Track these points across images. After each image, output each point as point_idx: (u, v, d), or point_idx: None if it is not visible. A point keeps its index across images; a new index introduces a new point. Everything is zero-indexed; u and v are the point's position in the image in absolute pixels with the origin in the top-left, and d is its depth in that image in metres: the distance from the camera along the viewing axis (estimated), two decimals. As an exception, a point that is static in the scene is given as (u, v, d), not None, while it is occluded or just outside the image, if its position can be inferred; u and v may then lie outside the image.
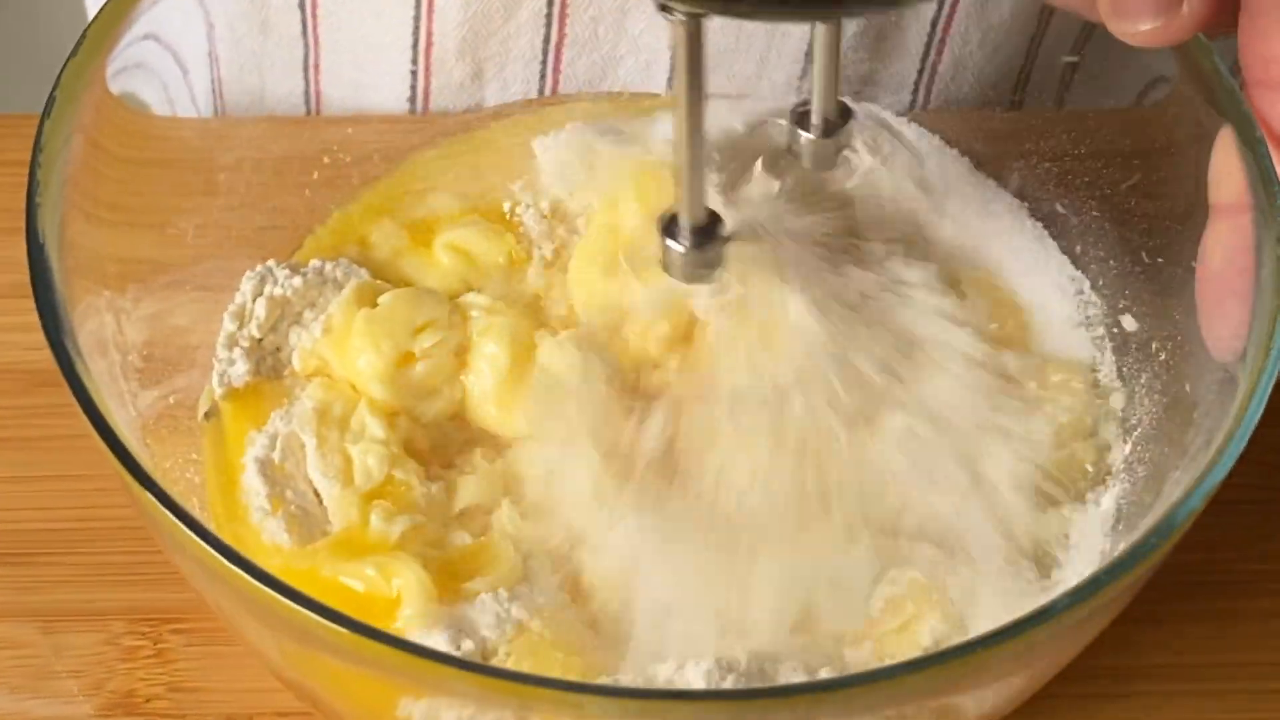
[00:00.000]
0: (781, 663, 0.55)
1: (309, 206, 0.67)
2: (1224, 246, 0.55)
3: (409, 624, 0.55)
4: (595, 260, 0.64)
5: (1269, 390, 0.51)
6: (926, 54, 0.71)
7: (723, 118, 0.66)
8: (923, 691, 0.49)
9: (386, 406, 0.61)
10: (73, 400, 0.51)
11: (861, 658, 0.56)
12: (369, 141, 0.68)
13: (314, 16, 0.70)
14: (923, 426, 0.59)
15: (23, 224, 0.53)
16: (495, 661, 0.54)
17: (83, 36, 0.58)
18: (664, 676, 0.55)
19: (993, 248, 0.67)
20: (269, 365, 0.63)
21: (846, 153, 0.60)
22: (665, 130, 0.67)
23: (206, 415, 0.61)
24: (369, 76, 0.72)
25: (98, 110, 0.58)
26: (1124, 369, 0.63)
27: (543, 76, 0.72)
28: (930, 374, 0.61)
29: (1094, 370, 0.63)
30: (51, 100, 0.56)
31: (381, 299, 0.62)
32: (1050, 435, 0.61)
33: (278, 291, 0.63)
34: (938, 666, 0.48)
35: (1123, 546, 0.52)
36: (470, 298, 0.64)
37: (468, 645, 0.54)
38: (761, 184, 0.63)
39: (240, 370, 0.62)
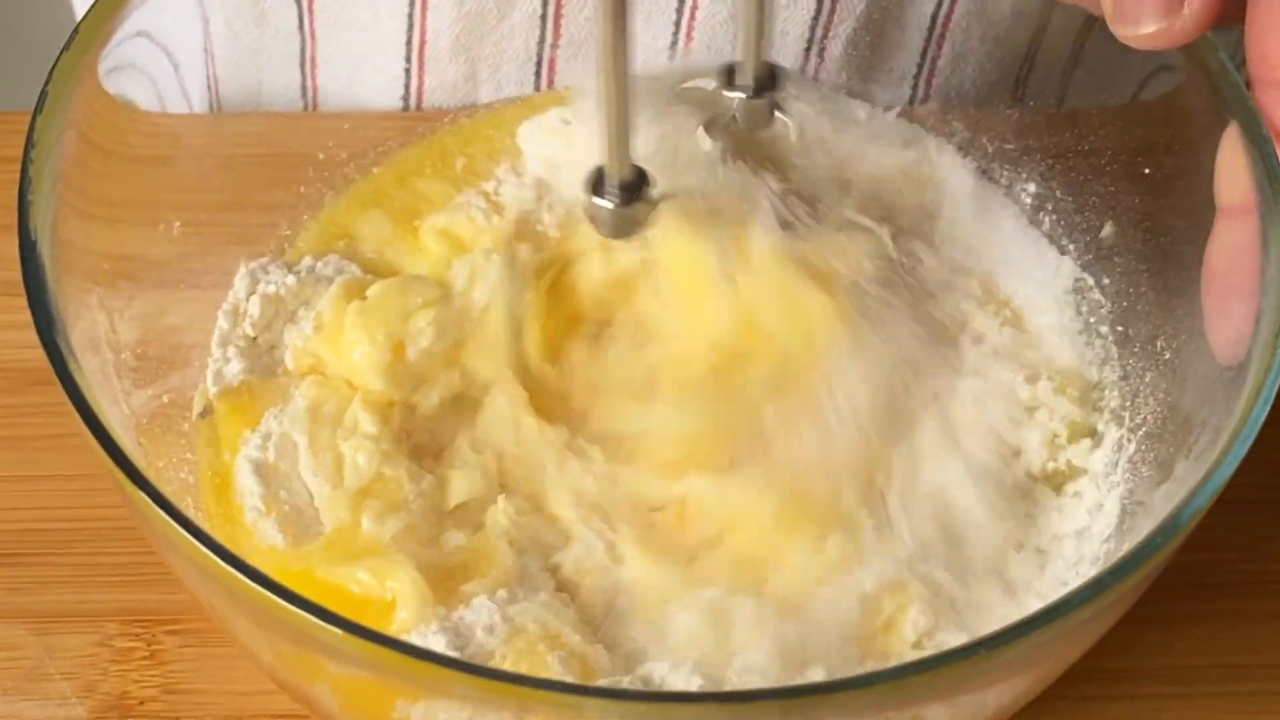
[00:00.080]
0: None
1: (304, 203, 0.67)
2: (1230, 245, 0.55)
3: (404, 628, 0.55)
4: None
5: (1275, 389, 0.51)
6: (926, 48, 0.71)
7: (653, 76, 0.66)
8: (924, 693, 0.48)
9: (383, 399, 0.61)
10: (65, 399, 0.51)
11: (850, 665, 0.56)
12: (366, 138, 0.68)
13: (310, 10, 0.70)
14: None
15: (14, 221, 0.53)
16: (492, 664, 0.54)
17: (75, 32, 0.57)
18: (659, 677, 0.54)
19: (992, 248, 0.66)
20: (264, 364, 0.62)
21: (780, 114, 0.60)
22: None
23: (201, 414, 0.61)
24: (364, 74, 0.72)
25: (90, 106, 0.58)
26: (1128, 367, 0.62)
27: (537, 76, 0.72)
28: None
29: (1097, 369, 0.63)
30: (44, 96, 0.56)
31: (370, 290, 0.62)
32: (1048, 434, 0.61)
33: (271, 289, 0.63)
34: (940, 668, 0.47)
35: (1127, 547, 0.52)
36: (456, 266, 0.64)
37: (464, 648, 0.54)
38: (699, 143, 0.63)
39: (235, 369, 0.61)
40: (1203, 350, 0.56)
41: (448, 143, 0.69)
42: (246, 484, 0.59)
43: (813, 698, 0.48)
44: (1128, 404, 0.62)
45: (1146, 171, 0.63)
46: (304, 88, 0.72)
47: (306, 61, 0.71)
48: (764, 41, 0.57)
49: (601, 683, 0.54)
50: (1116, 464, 0.61)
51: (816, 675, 0.55)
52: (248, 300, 0.63)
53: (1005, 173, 0.68)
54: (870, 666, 0.56)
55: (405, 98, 0.72)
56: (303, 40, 0.71)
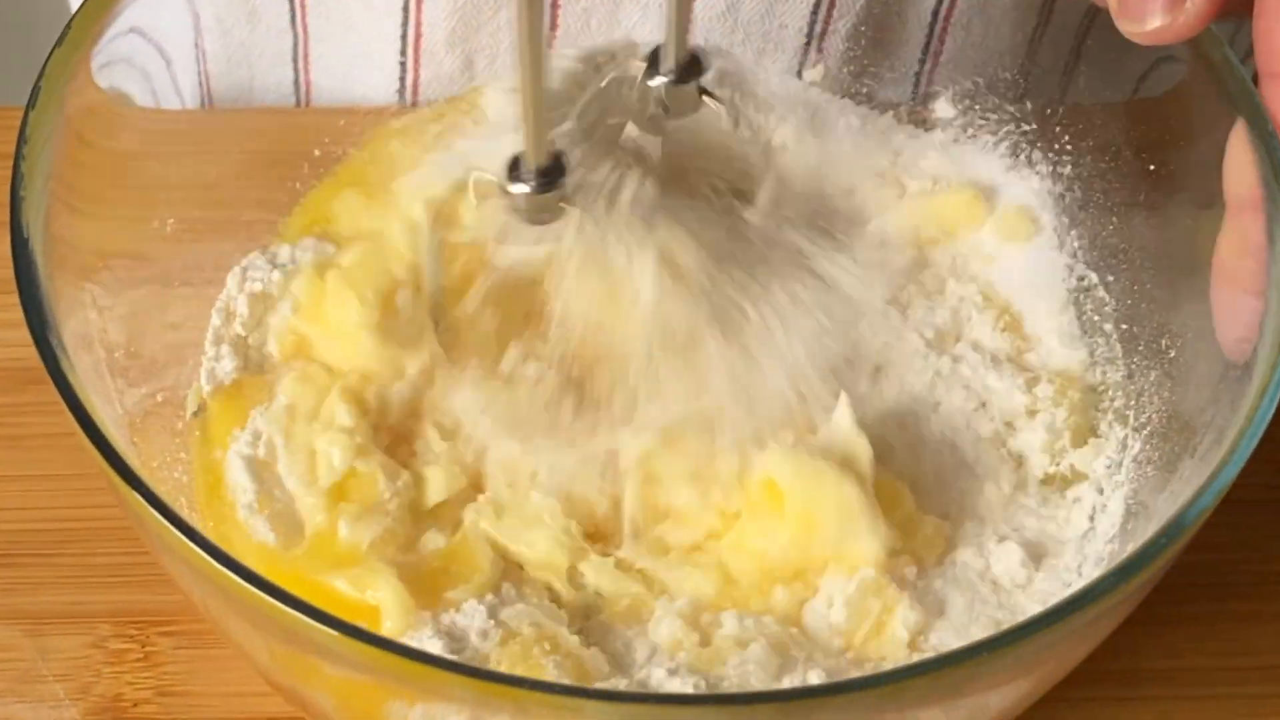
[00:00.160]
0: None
1: (298, 199, 0.66)
2: (1237, 242, 0.55)
3: (392, 636, 0.54)
4: None
5: (1281, 388, 0.51)
6: (928, 44, 0.71)
7: (575, 61, 0.66)
8: (925, 695, 0.48)
9: (365, 377, 0.60)
10: (59, 398, 0.50)
11: (843, 669, 0.56)
12: (361, 133, 0.68)
13: (302, 6, 0.70)
14: None
15: (6, 218, 0.53)
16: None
17: (67, 28, 0.57)
18: (657, 680, 0.54)
19: (992, 247, 0.66)
20: (254, 361, 0.62)
21: (709, 100, 0.59)
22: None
23: (195, 413, 0.61)
24: (359, 69, 0.72)
25: (83, 102, 0.57)
26: (1133, 366, 0.62)
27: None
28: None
29: (1101, 368, 0.63)
30: (36, 91, 0.56)
31: (346, 257, 0.62)
32: (1051, 433, 0.61)
33: (257, 287, 0.63)
34: (941, 670, 0.47)
35: (1132, 547, 0.51)
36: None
37: (460, 653, 0.54)
38: (625, 129, 0.62)
39: (228, 367, 0.61)
40: (1208, 349, 0.56)
41: (426, 123, 0.68)
42: (239, 481, 0.59)
43: (812, 700, 0.48)
44: (1132, 403, 0.61)
45: (1152, 168, 0.62)
46: (296, 83, 0.72)
47: (299, 57, 0.71)
48: (688, 23, 0.56)
49: (601, 685, 0.54)
50: (1121, 464, 0.60)
51: (814, 678, 0.54)
52: (238, 298, 0.62)
53: (1008, 170, 0.67)
54: (868, 669, 0.55)
55: (401, 91, 0.72)
56: (295, 36, 0.71)
